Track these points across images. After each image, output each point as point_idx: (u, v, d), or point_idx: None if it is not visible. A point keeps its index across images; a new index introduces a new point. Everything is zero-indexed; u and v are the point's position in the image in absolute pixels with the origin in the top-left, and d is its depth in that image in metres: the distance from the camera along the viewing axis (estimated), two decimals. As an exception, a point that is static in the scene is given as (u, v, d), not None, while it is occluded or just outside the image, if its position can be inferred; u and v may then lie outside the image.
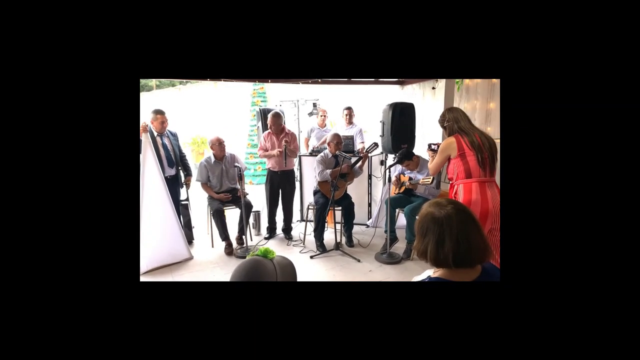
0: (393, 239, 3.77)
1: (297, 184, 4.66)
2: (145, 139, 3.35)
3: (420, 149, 4.79)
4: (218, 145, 3.93)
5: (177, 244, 3.62)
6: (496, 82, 4.27)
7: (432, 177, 3.44)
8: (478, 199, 2.38)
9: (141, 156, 3.35)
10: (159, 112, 3.82)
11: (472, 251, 1.12)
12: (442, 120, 2.62)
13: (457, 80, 4.30)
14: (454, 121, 2.53)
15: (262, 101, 7.99)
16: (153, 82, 12.92)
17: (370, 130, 6.73)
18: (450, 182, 2.59)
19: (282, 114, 4.18)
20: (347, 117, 5.00)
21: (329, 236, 4.06)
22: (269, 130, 4.21)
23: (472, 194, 2.41)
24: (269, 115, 4.17)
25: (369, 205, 4.70)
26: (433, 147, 2.80)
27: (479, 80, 4.36)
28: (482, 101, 4.26)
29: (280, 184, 4.23)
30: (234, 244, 3.95)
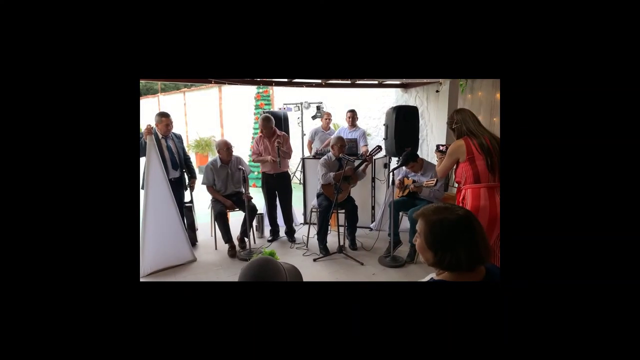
0: (397, 242, 3.75)
1: (301, 187, 4.66)
2: (150, 142, 3.37)
3: (423, 152, 4.78)
4: (226, 150, 3.94)
5: (180, 246, 3.63)
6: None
7: (435, 180, 3.43)
8: (486, 205, 2.31)
9: (146, 158, 3.37)
10: (163, 115, 3.84)
11: (489, 247, 1.09)
12: (451, 122, 2.53)
13: (461, 82, 4.29)
14: (462, 123, 2.44)
15: (266, 104, 8.01)
16: (158, 85, 13.01)
17: (373, 133, 6.73)
18: (458, 185, 2.52)
19: (271, 118, 4.16)
20: (350, 119, 5.01)
21: (332, 239, 4.05)
22: (261, 134, 4.21)
23: (481, 199, 2.33)
24: (259, 119, 4.16)
25: (373, 208, 4.69)
26: (441, 148, 2.72)
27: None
28: (486, 92, 4.15)
29: (276, 187, 4.23)
30: (237, 247, 3.96)
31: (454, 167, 2.53)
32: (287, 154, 4.17)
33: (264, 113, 4.30)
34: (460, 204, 2.43)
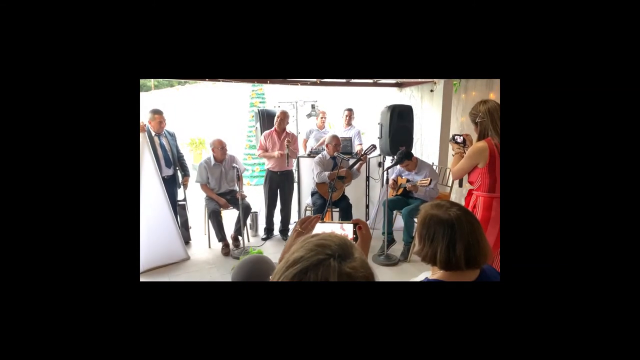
0: (390, 240, 3.76)
1: (295, 185, 4.66)
2: (142, 139, 3.34)
3: (417, 151, 4.80)
4: (220, 149, 3.93)
5: (173, 245, 3.61)
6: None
7: (429, 179, 3.45)
8: (497, 216, 2.09)
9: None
10: (156, 112, 3.81)
11: (481, 252, 1.11)
12: (475, 115, 2.16)
13: (455, 82, 4.31)
14: (488, 117, 2.07)
15: (260, 102, 7.98)
16: (151, 82, 12.89)
17: (368, 132, 6.74)
18: (471, 186, 2.26)
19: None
20: (347, 118, 5.01)
21: (326, 237, 4.04)
22: (270, 130, 4.21)
23: (492, 210, 2.11)
24: (280, 111, 4.19)
25: (367, 206, 4.70)
26: (457, 138, 2.33)
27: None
28: (480, 92, 4.11)
29: (280, 185, 4.22)
30: (231, 245, 3.94)
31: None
32: (294, 153, 4.19)
33: (280, 109, 4.35)
34: (471, 211, 2.23)
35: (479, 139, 2.17)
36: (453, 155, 2.38)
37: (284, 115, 4.15)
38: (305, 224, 1.01)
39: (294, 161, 4.42)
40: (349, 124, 5.02)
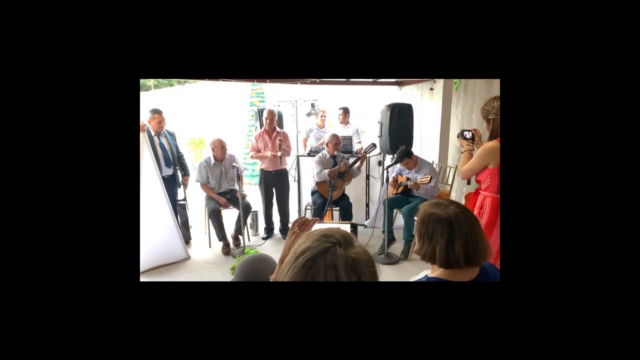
0: (391, 239, 3.76)
1: (295, 184, 4.66)
2: (142, 139, 3.34)
3: (417, 150, 4.80)
4: (220, 149, 3.92)
5: (174, 244, 3.61)
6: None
7: (430, 176, 3.44)
8: None
9: (138, 155, 3.34)
10: (156, 112, 3.81)
11: (480, 250, 1.12)
12: (487, 112, 2.03)
13: (456, 80, 4.30)
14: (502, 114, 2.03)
15: (260, 101, 7.97)
16: (151, 81, 12.89)
17: (368, 130, 6.74)
18: (479, 185, 2.18)
19: (276, 112, 4.25)
20: (340, 117, 5.01)
21: (326, 236, 4.04)
22: (261, 131, 4.22)
23: (500, 212, 1.98)
24: (267, 111, 4.19)
25: (367, 205, 4.70)
26: (466, 134, 2.22)
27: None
28: (480, 90, 4.08)
29: (275, 184, 4.23)
30: (231, 244, 3.94)
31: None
32: (287, 151, 4.18)
33: (267, 108, 4.35)
34: (477, 212, 2.13)
35: (490, 138, 2.05)
36: (462, 152, 2.28)
37: (272, 115, 4.15)
38: (303, 226, 1.01)
39: (288, 159, 4.42)
40: (344, 122, 5.02)
